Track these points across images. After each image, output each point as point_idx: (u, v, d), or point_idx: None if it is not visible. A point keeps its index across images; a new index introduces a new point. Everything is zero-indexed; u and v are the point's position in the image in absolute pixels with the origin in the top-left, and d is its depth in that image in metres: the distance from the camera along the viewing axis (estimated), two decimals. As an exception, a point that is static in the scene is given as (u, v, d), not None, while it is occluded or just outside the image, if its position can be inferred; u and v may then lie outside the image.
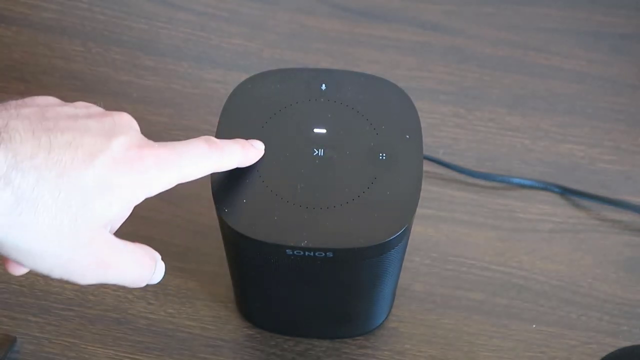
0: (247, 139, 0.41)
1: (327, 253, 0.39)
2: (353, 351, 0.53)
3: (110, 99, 0.64)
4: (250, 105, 0.44)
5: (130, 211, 0.33)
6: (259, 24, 0.70)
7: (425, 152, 0.53)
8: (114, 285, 0.38)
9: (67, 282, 0.32)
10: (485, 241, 0.58)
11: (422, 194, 0.41)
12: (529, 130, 0.64)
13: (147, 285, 0.36)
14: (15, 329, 0.53)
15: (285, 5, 0.71)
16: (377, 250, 0.40)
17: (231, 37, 0.69)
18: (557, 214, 0.59)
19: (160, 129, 0.62)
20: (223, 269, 0.51)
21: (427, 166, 0.59)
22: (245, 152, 0.40)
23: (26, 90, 0.65)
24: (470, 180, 0.60)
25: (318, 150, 0.42)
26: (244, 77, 0.46)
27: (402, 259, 0.46)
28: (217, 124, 0.43)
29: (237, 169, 0.40)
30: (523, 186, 0.60)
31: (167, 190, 0.34)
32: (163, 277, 0.36)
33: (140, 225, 0.54)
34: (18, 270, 0.32)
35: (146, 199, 0.33)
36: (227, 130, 0.43)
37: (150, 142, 0.34)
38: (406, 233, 0.41)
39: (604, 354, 0.48)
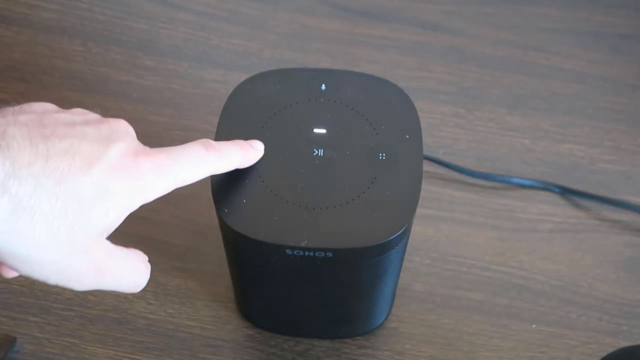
0: (247, 139, 0.41)
1: (327, 253, 0.39)
2: (353, 351, 0.53)
3: (110, 99, 0.64)
4: (250, 105, 0.44)
5: (125, 217, 0.33)
6: (259, 24, 0.70)
7: (425, 152, 0.52)
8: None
9: (64, 288, 0.32)
10: (485, 241, 0.58)
11: (422, 194, 0.41)
12: (529, 130, 0.64)
13: (145, 286, 0.36)
14: (15, 329, 0.53)
15: (285, 5, 0.71)
16: (377, 250, 0.40)
17: (231, 37, 0.69)
18: (557, 214, 0.59)
19: (160, 129, 0.62)
20: (223, 269, 0.51)
21: (427, 166, 0.59)
22: (244, 154, 0.40)
23: (26, 90, 0.65)
24: (470, 180, 0.60)
25: (318, 150, 0.42)
26: (244, 77, 0.46)
27: (402, 259, 0.46)
28: (217, 124, 0.43)
29: (236, 169, 0.40)
30: (523, 186, 0.60)
31: (166, 191, 0.34)
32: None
33: (139, 226, 0.55)
34: (10, 273, 0.32)
35: None
36: (227, 130, 0.43)
37: (147, 148, 0.34)
38: (406, 233, 0.41)
39: (604, 354, 0.48)
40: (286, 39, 0.69)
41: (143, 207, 0.34)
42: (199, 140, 0.37)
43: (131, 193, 0.32)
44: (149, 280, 0.36)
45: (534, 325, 0.54)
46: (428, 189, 0.59)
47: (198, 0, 0.71)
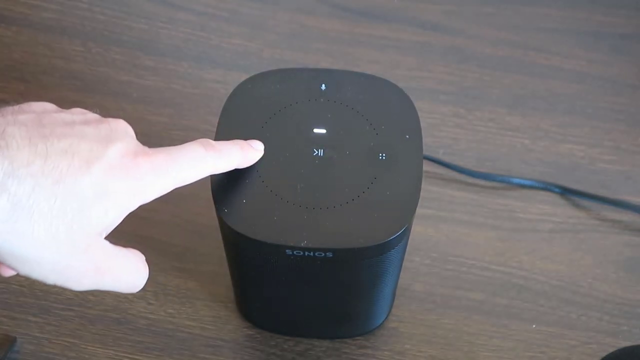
0: (247, 139, 0.41)
1: (327, 253, 0.39)
2: (353, 351, 0.53)
3: (110, 99, 0.64)
4: (250, 105, 0.44)
5: (123, 217, 0.33)
6: (259, 24, 0.70)
7: (425, 152, 0.53)
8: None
9: (62, 288, 0.32)
10: (485, 241, 0.58)
11: (422, 194, 0.41)
12: (529, 130, 0.63)
13: (144, 286, 0.36)
14: (15, 329, 0.53)
15: (285, 5, 0.71)
16: (377, 250, 0.40)
17: (231, 37, 0.69)
18: (557, 214, 0.59)
19: (160, 129, 0.62)
20: (223, 269, 0.51)
21: (427, 166, 0.59)
22: (244, 153, 0.40)
23: (26, 90, 0.65)
24: (470, 180, 0.60)
25: (318, 150, 0.42)
26: (244, 77, 0.46)
27: (402, 259, 0.46)
28: (217, 124, 0.43)
29: (236, 169, 0.40)
30: (523, 186, 0.60)
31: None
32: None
33: (139, 226, 0.55)
34: (8, 272, 0.32)
35: None
36: (227, 130, 0.43)
37: (146, 148, 0.34)
38: (406, 233, 0.41)
39: (604, 354, 0.48)
40: (286, 39, 0.69)
41: (143, 207, 0.34)
42: (199, 140, 0.37)
43: (130, 193, 0.32)
44: (149, 280, 0.36)
45: (534, 325, 0.54)
46: (428, 189, 0.59)
47: (198, 0, 0.71)
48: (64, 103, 0.36)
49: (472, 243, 0.57)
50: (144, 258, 0.36)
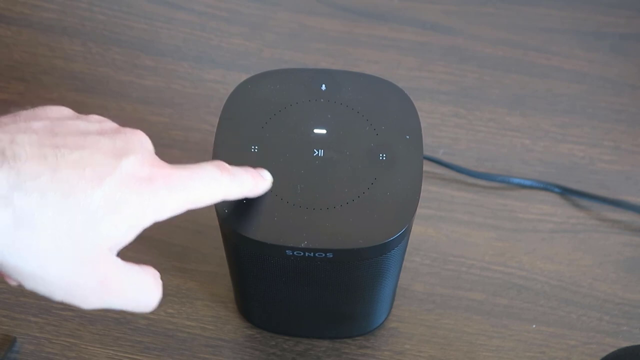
0: (247, 139, 0.41)
1: (327, 254, 0.39)
2: (353, 351, 0.53)
3: (110, 99, 0.64)
4: (250, 105, 0.44)
5: (137, 234, 0.31)
6: (259, 24, 0.70)
7: (425, 152, 0.53)
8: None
9: (69, 306, 0.31)
10: (485, 241, 0.58)
11: (422, 194, 0.41)
12: (529, 130, 0.64)
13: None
14: (15, 329, 0.53)
15: (285, 5, 0.71)
16: (377, 251, 0.40)
17: (231, 37, 0.69)
18: (557, 214, 0.59)
19: (160, 129, 0.62)
20: (223, 269, 0.51)
21: (427, 166, 0.59)
22: (255, 182, 0.38)
23: (26, 90, 0.65)
24: (470, 180, 0.60)
25: (318, 151, 0.42)
26: (244, 77, 0.46)
27: (402, 259, 0.46)
28: (217, 124, 0.43)
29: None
30: (523, 186, 0.60)
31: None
32: (163, 277, 0.35)
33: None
34: (14, 282, 0.31)
35: None
36: (227, 130, 0.43)
37: (162, 162, 0.33)
38: (406, 233, 0.41)
39: (604, 354, 0.48)
40: (286, 39, 0.69)
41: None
42: (213, 161, 0.36)
43: (142, 208, 0.31)
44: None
45: (534, 326, 0.54)
46: (428, 189, 0.59)
47: (198, 0, 0.71)
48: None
49: (472, 243, 0.57)
50: (159, 276, 0.34)
